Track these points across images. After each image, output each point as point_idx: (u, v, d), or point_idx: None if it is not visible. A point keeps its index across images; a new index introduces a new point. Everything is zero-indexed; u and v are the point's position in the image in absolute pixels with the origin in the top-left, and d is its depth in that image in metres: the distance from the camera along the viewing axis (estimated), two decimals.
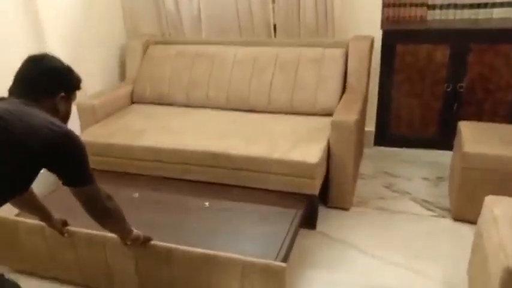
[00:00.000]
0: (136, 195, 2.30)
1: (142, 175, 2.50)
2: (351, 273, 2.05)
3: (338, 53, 2.84)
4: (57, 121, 1.36)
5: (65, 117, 1.49)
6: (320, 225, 2.39)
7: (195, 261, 1.70)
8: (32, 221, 1.89)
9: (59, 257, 1.96)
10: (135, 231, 1.68)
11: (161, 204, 2.21)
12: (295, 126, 2.57)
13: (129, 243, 1.71)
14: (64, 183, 1.41)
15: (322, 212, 2.49)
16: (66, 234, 1.83)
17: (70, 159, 1.37)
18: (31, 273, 2.07)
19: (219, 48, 3.11)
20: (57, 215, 1.83)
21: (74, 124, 2.81)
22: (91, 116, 2.83)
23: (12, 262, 2.11)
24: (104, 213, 1.50)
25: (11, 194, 1.36)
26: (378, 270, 2.06)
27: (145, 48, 3.31)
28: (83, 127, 2.82)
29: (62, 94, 1.44)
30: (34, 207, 1.75)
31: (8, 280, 1.35)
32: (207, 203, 2.19)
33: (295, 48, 2.95)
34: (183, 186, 2.39)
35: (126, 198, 2.21)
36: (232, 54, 3.04)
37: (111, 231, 1.64)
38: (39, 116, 1.32)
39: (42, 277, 2.06)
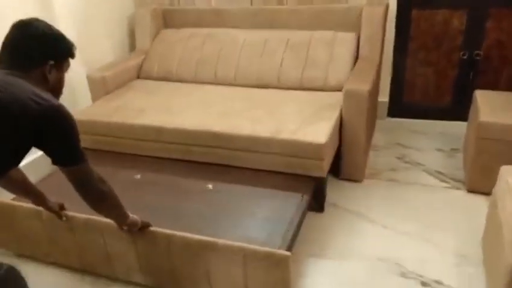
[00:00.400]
0: (138, 176, 2.19)
1: (144, 156, 2.39)
2: (363, 245, 2.00)
3: (349, 36, 2.73)
4: (45, 94, 1.25)
5: (56, 88, 1.37)
6: (332, 197, 2.32)
7: (195, 248, 1.61)
8: (29, 205, 1.80)
9: (57, 241, 1.89)
10: (132, 216, 1.59)
11: (163, 186, 2.11)
12: (304, 104, 2.43)
13: (125, 228, 1.63)
14: (53, 162, 1.31)
15: (334, 184, 2.44)
16: (64, 218, 1.76)
17: (58, 135, 1.27)
18: (30, 258, 2.03)
19: (230, 31, 3.02)
20: (53, 198, 1.76)
21: (84, 96, 2.80)
22: (102, 88, 2.78)
23: (11, 246, 2.07)
24: (96, 195, 1.41)
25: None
26: (390, 242, 2.02)
27: (154, 16, 3.20)
28: (94, 99, 2.78)
29: (52, 62, 1.32)
30: (27, 190, 1.69)
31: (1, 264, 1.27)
32: (210, 186, 2.08)
33: (306, 32, 2.83)
34: (185, 167, 2.27)
35: (127, 180, 2.13)
36: (243, 36, 2.95)
37: (106, 215, 1.54)
38: (25, 88, 1.22)
39: (42, 262, 2.01)
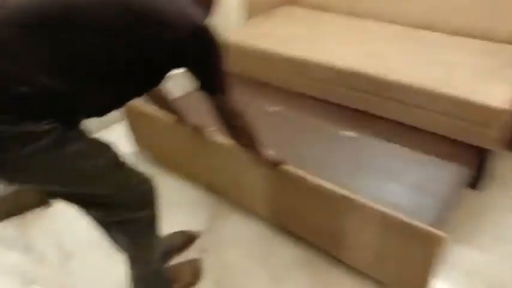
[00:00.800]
0: (273, 110, 2.04)
1: (284, 89, 2.21)
2: None
3: None
4: (197, 11, 1.11)
5: (209, 7, 1.24)
6: (499, 172, 1.94)
7: (328, 198, 1.42)
8: (170, 119, 1.78)
9: (192, 157, 1.87)
10: (269, 151, 1.47)
11: (300, 124, 1.93)
12: (482, 56, 1.95)
13: (259, 161, 1.52)
14: (197, 87, 1.20)
15: (504, 156, 2.03)
16: (204, 134, 1.72)
17: (204, 58, 1.14)
18: (165, 165, 2.09)
19: None
20: (193, 118, 1.72)
21: (236, 17, 2.64)
22: (255, 10, 2.63)
23: (153, 153, 2.14)
24: (234, 126, 1.32)
25: (142, 89, 1.23)
26: None
27: None
28: (246, 21, 2.63)
29: None
30: (169, 108, 1.68)
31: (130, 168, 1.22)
32: (352, 133, 1.83)
33: None
34: (327, 108, 2.03)
35: (263, 112, 2.01)
36: None
37: (241, 145, 1.44)
38: (178, 2, 1.09)
39: (174, 172, 2.06)
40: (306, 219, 1.59)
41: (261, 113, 1.99)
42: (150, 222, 1.31)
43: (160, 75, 1.19)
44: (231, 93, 1.24)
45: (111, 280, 1.60)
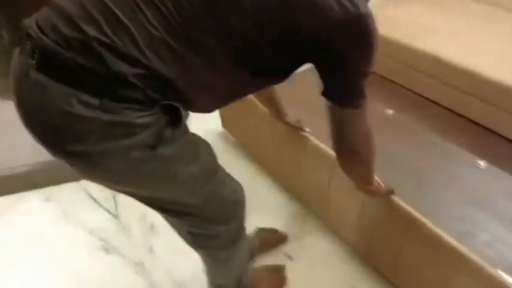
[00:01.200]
0: (390, 112, 1.72)
1: (407, 88, 1.87)
2: None
3: None
4: None
5: None
6: None
7: (435, 247, 1.15)
8: (265, 109, 1.58)
9: (281, 159, 1.70)
10: (377, 181, 1.19)
11: (417, 140, 1.60)
12: None
13: (362, 188, 1.23)
14: (321, 91, 0.92)
15: None
16: (299, 135, 1.50)
17: (349, 55, 0.84)
18: (254, 159, 1.96)
19: None
20: (290, 113, 1.51)
21: None
22: None
23: (241, 140, 2.01)
24: (347, 150, 1.02)
25: (269, 81, 1.02)
26: None
27: None
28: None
29: None
30: (270, 101, 1.48)
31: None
32: (481, 163, 1.47)
33: None
34: (454, 123, 1.67)
35: (376, 114, 1.68)
36: None
37: (346, 171, 1.12)
38: None
39: (263, 168, 1.93)
40: (404, 266, 1.34)
41: (374, 116, 1.69)
42: (235, 236, 1.18)
43: (293, 68, 0.94)
44: (363, 108, 0.93)
45: (188, 267, 1.54)
